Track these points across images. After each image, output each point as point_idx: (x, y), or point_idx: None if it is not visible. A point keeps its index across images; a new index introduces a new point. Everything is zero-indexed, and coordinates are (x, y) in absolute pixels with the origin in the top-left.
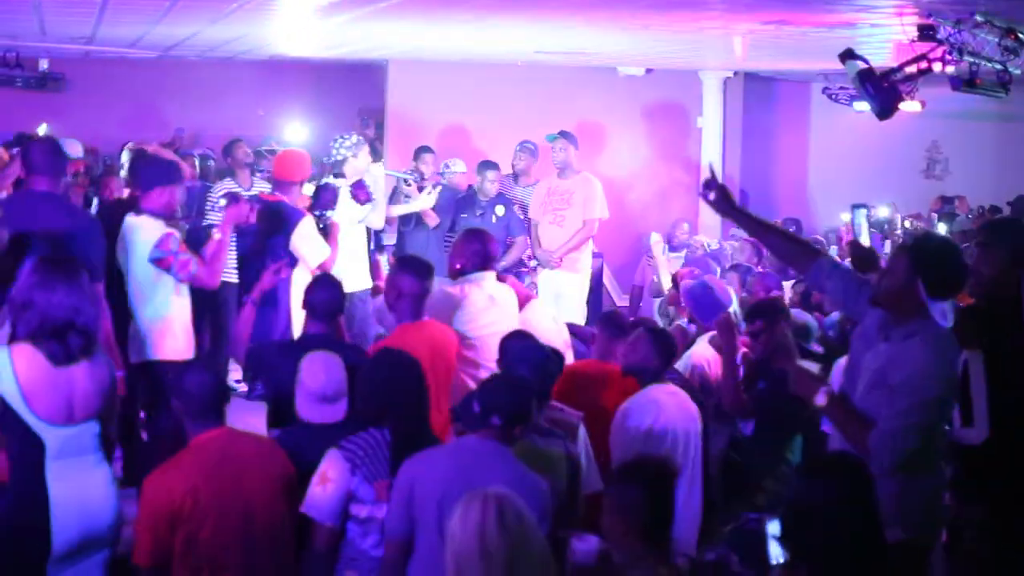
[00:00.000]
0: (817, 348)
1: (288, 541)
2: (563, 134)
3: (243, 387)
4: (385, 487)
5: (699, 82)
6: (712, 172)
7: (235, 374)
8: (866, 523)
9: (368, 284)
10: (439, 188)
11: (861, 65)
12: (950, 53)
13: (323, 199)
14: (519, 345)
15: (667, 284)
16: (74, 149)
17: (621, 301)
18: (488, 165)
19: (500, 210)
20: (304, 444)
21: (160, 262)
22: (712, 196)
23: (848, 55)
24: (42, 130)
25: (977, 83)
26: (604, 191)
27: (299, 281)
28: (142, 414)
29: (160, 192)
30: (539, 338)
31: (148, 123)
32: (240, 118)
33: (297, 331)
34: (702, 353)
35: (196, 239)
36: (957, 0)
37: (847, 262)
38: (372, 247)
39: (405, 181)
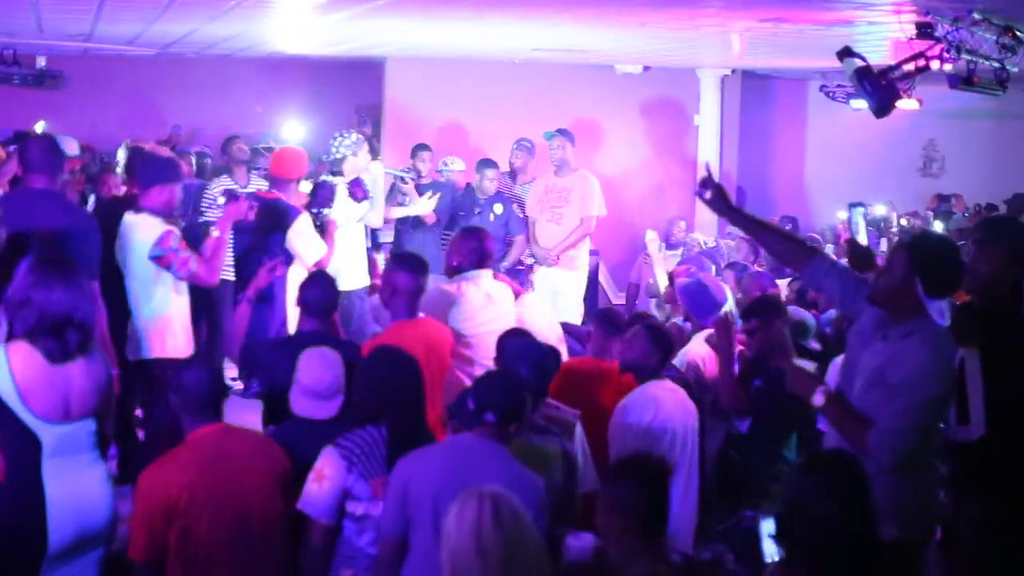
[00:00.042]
0: (814, 345)
1: (283, 537)
2: (561, 132)
3: (239, 385)
4: (381, 484)
5: (696, 80)
6: (708, 171)
7: (231, 371)
8: (861, 521)
9: (366, 282)
10: (439, 195)
11: (859, 63)
12: (948, 51)
13: (320, 197)
14: (517, 343)
15: (663, 281)
16: (70, 147)
17: (617, 299)
18: (487, 163)
19: (498, 208)
20: (298, 440)
21: (160, 260)
22: (708, 195)
23: (846, 53)
24: (39, 127)
25: (974, 81)
26: (601, 189)
27: (295, 279)
28: (139, 412)
29: (159, 190)
30: (532, 333)
31: (146, 121)
32: (238, 115)
33: (293, 328)
34: (697, 351)
35: (192, 237)
36: None
37: (844, 260)
38: (369, 245)
39: (402, 179)
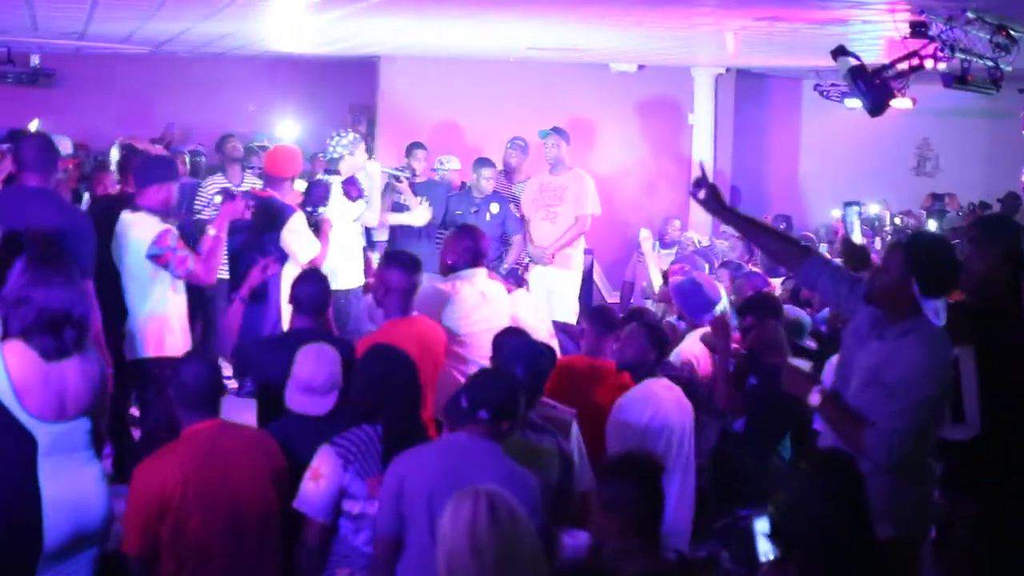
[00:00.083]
0: (810, 344)
1: (277, 533)
2: (556, 130)
3: (233, 384)
4: (378, 483)
5: (691, 79)
6: (703, 170)
7: (225, 371)
8: (857, 520)
9: (362, 281)
10: (430, 204)
11: (853, 62)
12: (942, 50)
13: (315, 195)
14: (513, 342)
15: (657, 280)
16: (64, 146)
17: (611, 298)
18: (484, 162)
19: (495, 208)
20: (294, 436)
21: (158, 259)
22: (702, 195)
23: (840, 52)
24: (33, 126)
25: (968, 80)
26: (596, 187)
27: (290, 277)
28: (135, 411)
29: (157, 189)
30: (521, 325)
31: (140, 119)
32: (232, 114)
33: (287, 327)
34: (691, 349)
35: (185, 235)
36: None
37: (837, 260)
38: (364, 244)
39: (396, 178)
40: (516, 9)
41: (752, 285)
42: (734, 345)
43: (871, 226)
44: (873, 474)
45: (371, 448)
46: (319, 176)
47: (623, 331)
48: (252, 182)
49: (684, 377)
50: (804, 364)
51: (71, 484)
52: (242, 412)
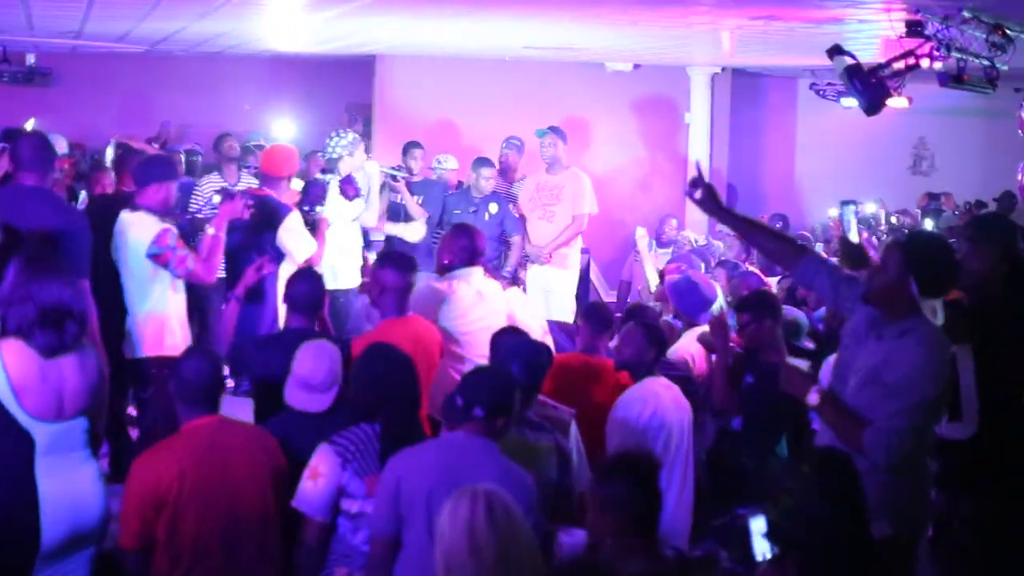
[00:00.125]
0: (808, 344)
1: (276, 532)
2: (552, 129)
3: (229, 383)
4: (376, 482)
5: (687, 78)
6: (699, 170)
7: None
8: (853, 519)
9: (361, 281)
10: (429, 206)
11: (849, 61)
12: (938, 49)
13: (312, 194)
14: (510, 341)
15: (653, 278)
16: (59, 145)
17: (608, 297)
18: (483, 162)
19: (493, 208)
20: (293, 432)
21: (158, 258)
22: (698, 195)
23: (836, 51)
24: (30, 125)
25: (964, 79)
26: (592, 187)
27: (286, 276)
28: (132, 411)
29: (156, 188)
30: (516, 323)
31: (136, 118)
32: (228, 113)
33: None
34: (687, 348)
35: (181, 235)
36: None
37: (834, 259)
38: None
39: (393, 177)
40: (512, 8)
41: (748, 284)
42: (732, 344)
43: (867, 225)
44: (870, 473)
45: (369, 447)
46: (317, 175)
47: (622, 329)
48: (248, 181)
49: (682, 375)
50: (802, 364)
51: (68, 483)
52: (238, 411)
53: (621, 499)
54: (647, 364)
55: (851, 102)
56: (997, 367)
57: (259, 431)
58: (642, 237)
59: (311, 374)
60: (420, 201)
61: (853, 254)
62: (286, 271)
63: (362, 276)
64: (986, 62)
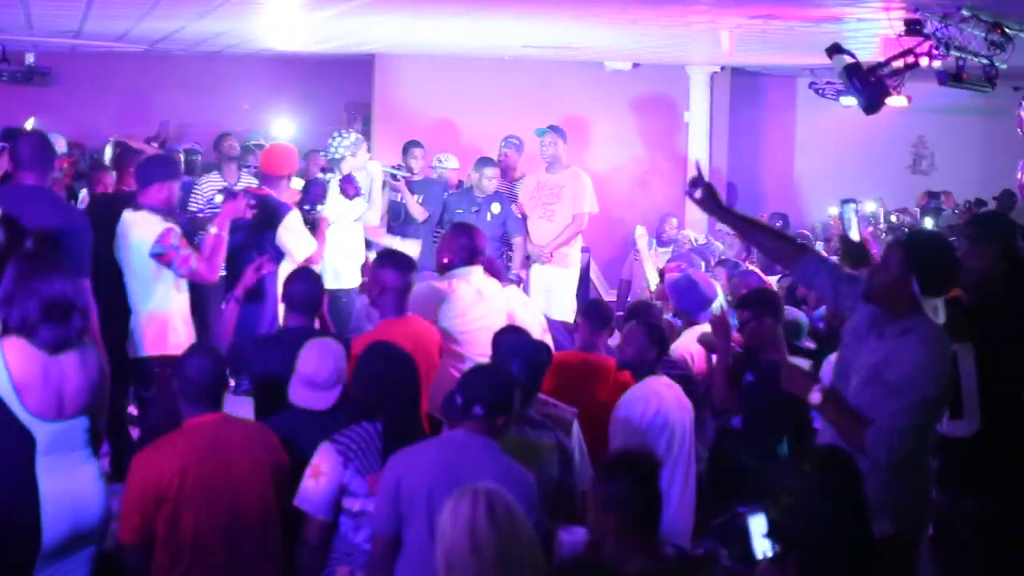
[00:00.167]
0: (808, 344)
1: (277, 530)
2: (552, 128)
3: (230, 382)
4: (377, 480)
5: (686, 77)
6: (699, 170)
7: None
8: (855, 518)
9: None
10: (429, 205)
11: (848, 60)
12: (937, 48)
13: (312, 194)
14: (511, 340)
15: (652, 277)
16: (58, 145)
17: (608, 296)
18: (486, 162)
19: (496, 208)
20: (297, 430)
21: (161, 257)
22: (698, 194)
23: (835, 50)
24: (29, 125)
25: (963, 78)
26: (592, 186)
27: (286, 275)
28: (133, 410)
29: (159, 188)
30: (516, 321)
31: (135, 117)
32: (227, 113)
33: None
34: (686, 346)
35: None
36: None
37: (834, 257)
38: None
39: (393, 176)
40: (511, 7)
41: (748, 283)
42: (732, 344)
43: (867, 224)
44: (872, 472)
45: (371, 445)
46: (317, 175)
47: (624, 329)
48: (248, 181)
49: (683, 374)
50: (803, 364)
51: (69, 483)
52: (238, 410)
53: (622, 498)
54: (649, 363)
55: (850, 101)
56: (997, 365)
57: (260, 428)
58: (642, 236)
59: (316, 372)
60: (420, 200)
61: (853, 252)
62: (286, 270)
63: (363, 275)
64: (985, 61)
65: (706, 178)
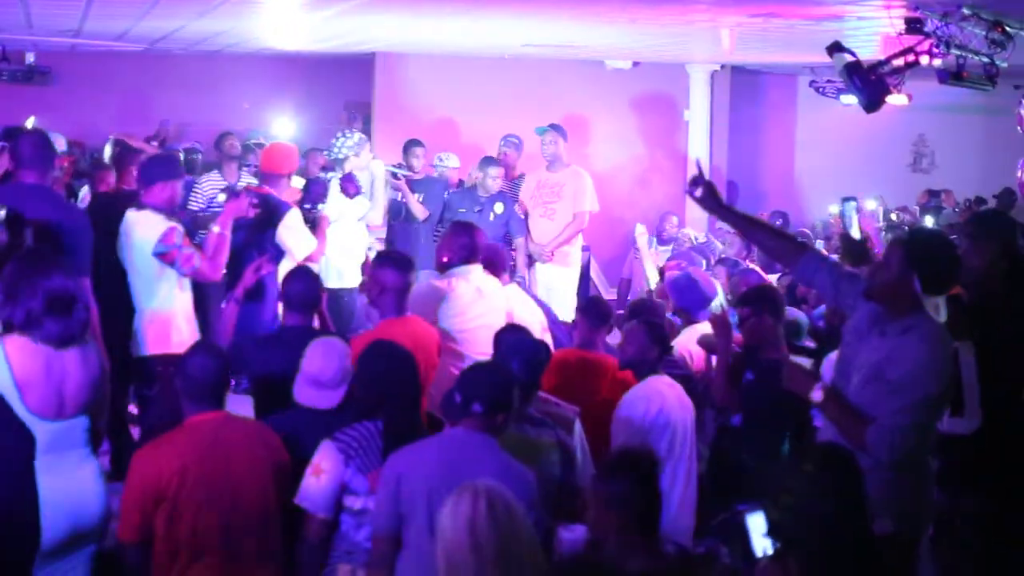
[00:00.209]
0: (809, 343)
1: (276, 526)
2: (553, 127)
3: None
4: (378, 479)
5: (686, 75)
6: (699, 168)
7: None
8: (855, 516)
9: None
10: (430, 203)
11: (848, 58)
12: (937, 46)
13: (313, 193)
14: (511, 338)
15: (652, 275)
16: (58, 144)
17: (608, 294)
18: (490, 161)
19: (499, 208)
20: (301, 429)
21: (164, 256)
22: (699, 193)
23: (835, 48)
24: (30, 124)
25: (964, 76)
26: (592, 184)
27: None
28: (134, 409)
29: (161, 187)
30: (515, 319)
31: (135, 116)
32: (227, 112)
33: None
34: (685, 345)
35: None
36: None
37: (835, 256)
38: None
39: (394, 175)
40: (511, 6)
41: (748, 282)
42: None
43: (874, 218)
44: (873, 470)
45: (372, 444)
46: (318, 173)
47: (625, 327)
48: (248, 180)
49: (683, 373)
50: (804, 363)
51: (69, 482)
52: (238, 409)
53: (623, 496)
54: (650, 362)
55: (851, 99)
56: (997, 364)
57: (261, 426)
58: (642, 234)
59: (321, 371)
60: (421, 199)
61: (854, 251)
62: (286, 269)
63: (363, 275)
64: (985, 59)
65: (706, 176)
